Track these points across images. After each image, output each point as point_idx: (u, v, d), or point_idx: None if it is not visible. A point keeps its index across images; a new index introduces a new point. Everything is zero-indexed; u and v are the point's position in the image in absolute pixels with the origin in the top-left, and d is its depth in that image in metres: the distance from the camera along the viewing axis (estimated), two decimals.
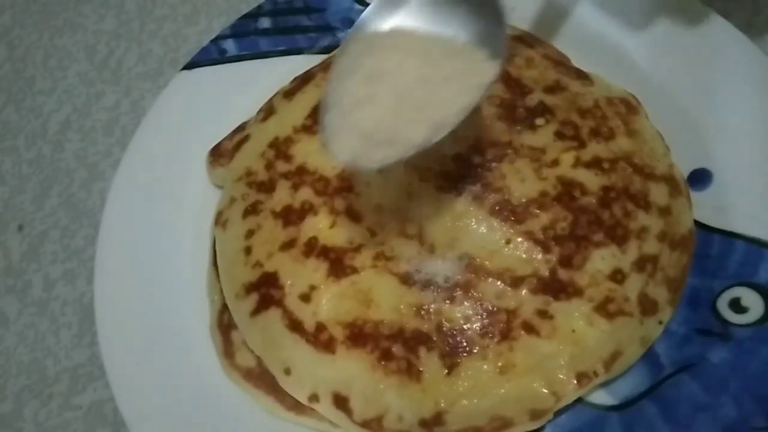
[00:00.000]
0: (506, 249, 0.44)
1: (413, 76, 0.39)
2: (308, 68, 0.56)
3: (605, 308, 0.42)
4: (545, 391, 0.41)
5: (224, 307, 0.48)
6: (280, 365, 0.44)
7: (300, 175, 0.49)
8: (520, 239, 0.44)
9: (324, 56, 0.58)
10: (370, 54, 0.41)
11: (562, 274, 0.43)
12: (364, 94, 0.39)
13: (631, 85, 0.51)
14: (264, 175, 0.51)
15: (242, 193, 0.51)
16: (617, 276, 0.43)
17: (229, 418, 0.44)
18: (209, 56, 0.58)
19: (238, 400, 0.45)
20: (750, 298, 0.42)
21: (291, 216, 0.48)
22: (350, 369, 0.43)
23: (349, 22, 0.59)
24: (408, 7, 0.42)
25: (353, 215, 0.47)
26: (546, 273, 0.43)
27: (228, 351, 0.46)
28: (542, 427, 0.41)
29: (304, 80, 0.55)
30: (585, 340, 0.42)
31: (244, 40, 0.59)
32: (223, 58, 0.58)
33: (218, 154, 0.54)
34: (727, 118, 0.47)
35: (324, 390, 0.43)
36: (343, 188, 0.48)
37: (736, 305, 0.42)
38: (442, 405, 0.41)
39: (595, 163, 0.47)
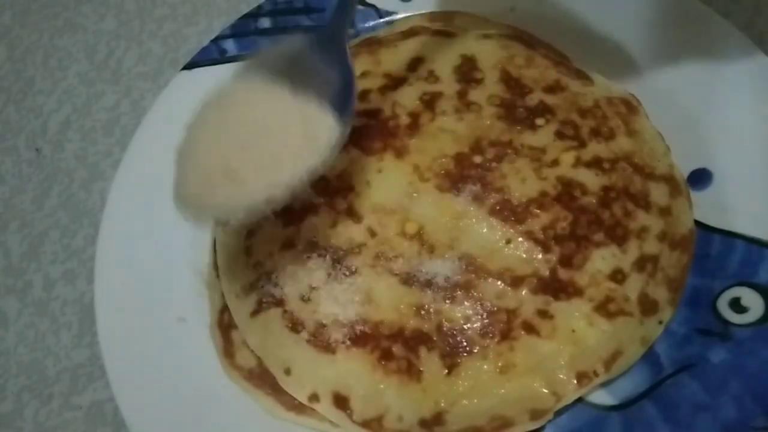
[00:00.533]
0: (506, 249, 0.44)
1: (258, 128, 0.40)
2: None
3: (605, 308, 0.42)
4: (545, 391, 0.41)
5: (224, 307, 0.48)
6: (280, 365, 0.44)
7: None
8: (520, 239, 0.44)
9: None
10: (217, 107, 0.42)
11: (562, 274, 0.43)
12: (210, 142, 0.41)
13: (631, 85, 0.51)
14: None
15: None
16: (617, 276, 0.43)
17: (229, 418, 0.44)
18: (209, 56, 0.58)
19: (238, 400, 0.45)
20: (750, 298, 0.42)
21: (291, 216, 0.48)
22: (350, 369, 0.43)
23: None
24: (261, 71, 0.42)
25: (353, 215, 0.47)
26: (546, 273, 0.44)
27: (228, 351, 0.46)
28: (542, 427, 0.41)
29: None
30: (585, 340, 0.42)
31: (244, 40, 0.59)
32: (223, 58, 0.58)
33: None
34: (727, 118, 0.47)
35: (324, 390, 0.43)
36: (343, 188, 0.48)
37: (736, 305, 0.42)
38: (443, 405, 0.41)
39: (595, 163, 0.47)
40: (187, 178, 0.41)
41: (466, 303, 0.43)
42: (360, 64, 0.54)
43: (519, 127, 0.48)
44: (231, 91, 0.42)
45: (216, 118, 0.42)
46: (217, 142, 0.41)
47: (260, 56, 0.43)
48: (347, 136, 0.42)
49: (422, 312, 0.43)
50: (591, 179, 0.46)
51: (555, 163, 0.47)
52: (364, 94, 0.52)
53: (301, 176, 0.39)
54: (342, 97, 0.42)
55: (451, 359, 0.42)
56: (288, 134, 0.40)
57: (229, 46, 0.58)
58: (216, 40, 0.58)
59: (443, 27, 0.56)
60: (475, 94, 0.51)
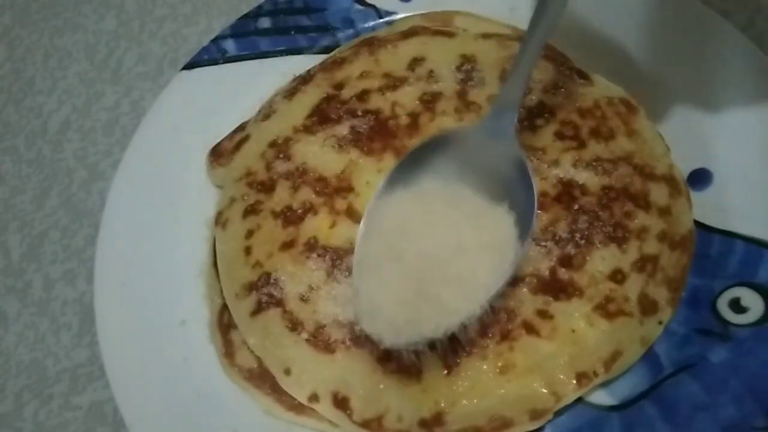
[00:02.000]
0: None
1: (445, 244, 0.39)
2: (308, 68, 0.57)
3: (605, 308, 0.42)
4: (545, 391, 0.41)
5: (224, 307, 0.48)
6: (280, 365, 0.44)
7: (300, 175, 0.49)
8: None
9: (324, 56, 0.58)
10: (395, 214, 0.41)
11: (562, 274, 0.43)
12: (388, 253, 0.39)
13: (631, 85, 0.51)
14: (264, 175, 0.51)
15: (242, 193, 0.51)
16: (617, 276, 0.43)
17: (229, 418, 0.44)
18: (209, 56, 0.58)
19: (238, 401, 0.45)
20: (750, 298, 0.42)
21: (291, 216, 0.48)
22: (350, 369, 0.43)
23: (349, 22, 0.59)
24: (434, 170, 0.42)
25: (353, 215, 0.47)
26: (546, 273, 0.44)
27: (228, 351, 0.46)
28: (542, 427, 0.41)
29: (304, 80, 0.55)
30: (585, 340, 0.42)
31: (244, 40, 0.59)
32: (223, 58, 0.58)
33: (218, 154, 0.54)
34: (727, 118, 0.47)
35: (324, 390, 0.43)
36: (343, 188, 0.48)
37: (736, 305, 0.42)
38: (442, 405, 0.41)
39: (595, 164, 0.47)
40: (372, 295, 0.39)
41: None
42: (360, 64, 0.54)
43: (519, 127, 0.48)
44: (407, 199, 0.41)
45: (395, 231, 0.40)
46: (404, 257, 0.39)
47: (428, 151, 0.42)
48: (527, 254, 0.42)
49: None
50: (591, 179, 0.46)
51: (555, 163, 0.47)
52: (364, 94, 0.52)
53: (493, 295, 0.39)
54: (523, 211, 0.40)
55: (451, 359, 0.42)
56: (475, 253, 0.39)
57: (229, 46, 0.58)
58: (216, 40, 0.58)
59: (443, 27, 0.56)
60: (475, 94, 0.51)
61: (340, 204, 0.47)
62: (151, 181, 0.53)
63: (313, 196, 0.48)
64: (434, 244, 0.39)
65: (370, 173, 0.48)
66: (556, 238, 0.44)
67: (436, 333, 0.38)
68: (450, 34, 0.55)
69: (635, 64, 0.52)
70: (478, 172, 0.41)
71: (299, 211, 0.48)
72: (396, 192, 0.42)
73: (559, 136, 0.48)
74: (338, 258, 0.45)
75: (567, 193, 0.46)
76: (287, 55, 0.59)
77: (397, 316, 0.38)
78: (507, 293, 0.43)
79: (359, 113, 0.51)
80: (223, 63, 0.58)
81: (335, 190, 0.48)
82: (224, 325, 0.47)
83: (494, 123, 0.43)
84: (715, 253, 0.44)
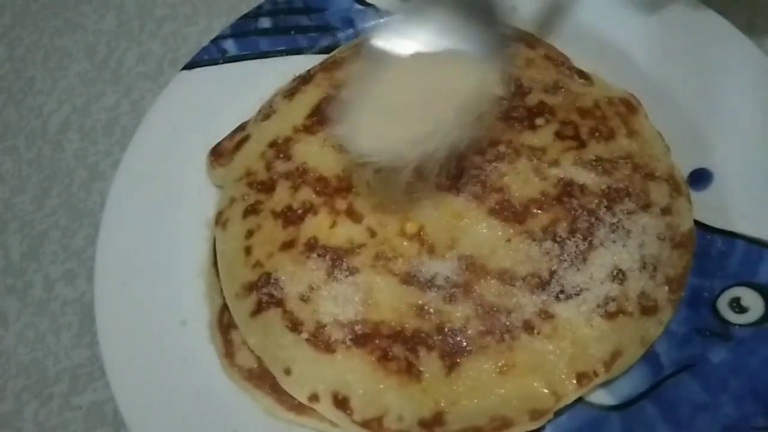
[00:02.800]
0: (506, 249, 0.44)
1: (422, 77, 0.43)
2: (308, 68, 0.57)
3: (605, 308, 0.42)
4: (545, 391, 0.41)
5: (224, 307, 0.48)
6: (280, 365, 0.44)
7: (300, 175, 0.49)
8: (520, 239, 0.44)
9: (324, 56, 0.58)
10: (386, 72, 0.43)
11: (562, 273, 0.43)
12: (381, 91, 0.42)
13: (631, 85, 0.51)
14: (264, 175, 0.51)
15: (242, 193, 0.51)
16: (617, 276, 0.43)
17: (229, 418, 0.44)
18: (209, 56, 0.58)
19: (238, 401, 0.45)
20: (750, 298, 0.42)
21: (291, 216, 0.48)
22: (350, 369, 0.43)
23: (349, 22, 0.59)
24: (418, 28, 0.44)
25: (353, 215, 0.47)
26: (546, 273, 0.43)
27: (228, 351, 0.46)
28: (542, 427, 0.41)
29: (304, 80, 0.55)
30: (585, 340, 0.42)
31: (244, 40, 0.59)
32: (223, 58, 0.58)
33: (218, 154, 0.54)
34: (727, 118, 0.47)
35: (324, 390, 0.43)
36: (343, 188, 0.48)
37: (737, 305, 0.42)
38: (442, 405, 0.41)
39: (595, 163, 0.47)
40: (358, 118, 0.43)
41: (465, 303, 0.43)
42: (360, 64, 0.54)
43: (519, 127, 0.48)
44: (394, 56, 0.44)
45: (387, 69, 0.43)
46: (386, 90, 0.43)
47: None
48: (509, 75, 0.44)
49: (422, 312, 0.43)
50: (591, 179, 0.46)
51: (555, 163, 0.47)
52: None
53: (465, 124, 0.41)
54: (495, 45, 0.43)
55: (451, 359, 0.42)
56: (448, 83, 0.42)
57: (229, 46, 0.58)
58: (216, 40, 0.58)
59: None
60: None
61: (340, 204, 0.47)
62: (151, 181, 0.53)
63: (314, 196, 0.48)
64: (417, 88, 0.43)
65: (371, 173, 0.48)
66: (556, 238, 0.44)
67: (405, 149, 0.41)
68: None
69: (635, 64, 0.52)
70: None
71: (299, 211, 0.48)
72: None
73: (559, 136, 0.48)
74: (338, 258, 0.45)
75: (567, 193, 0.46)
76: (287, 55, 0.59)
77: (380, 132, 0.42)
78: (507, 293, 0.43)
79: None
80: (223, 63, 0.58)
81: (335, 190, 0.48)
82: (224, 325, 0.47)
83: None
84: (715, 253, 0.44)
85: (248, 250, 0.48)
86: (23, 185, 0.64)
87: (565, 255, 0.44)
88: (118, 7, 0.74)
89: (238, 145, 0.53)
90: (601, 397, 0.42)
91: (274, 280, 0.46)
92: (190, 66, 0.57)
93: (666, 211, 0.46)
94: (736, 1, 0.56)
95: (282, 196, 0.49)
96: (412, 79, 0.43)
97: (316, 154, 0.50)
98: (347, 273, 0.45)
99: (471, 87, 0.42)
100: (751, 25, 0.56)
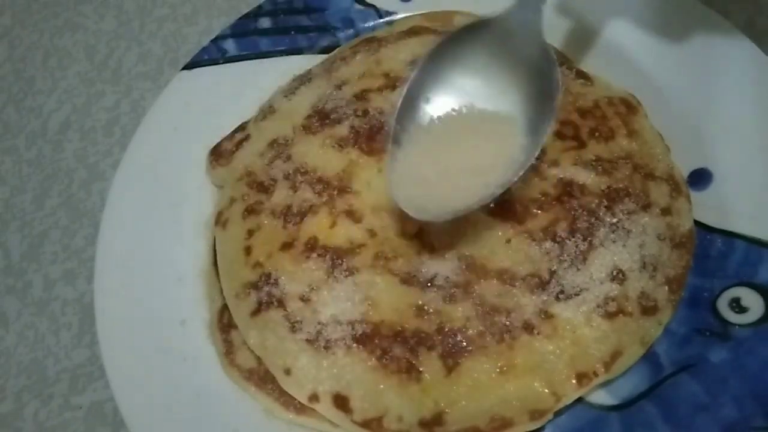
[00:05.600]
0: (506, 249, 0.44)
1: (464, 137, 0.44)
2: (308, 68, 0.57)
3: (605, 308, 0.42)
4: (545, 391, 0.41)
5: (224, 307, 0.48)
6: (280, 365, 0.44)
7: (300, 175, 0.49)
8: (520, 239, 0.44)
9: (324, 56, 0.58)
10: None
11: (562, 273, 0.43)
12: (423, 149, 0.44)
13: (631, 85, 0.51)
14: (264, 175, 0.51)
15: (242, 193, 0.51)
16: (617, 276, 0.43)
17: (229, 418, 0.44)
18: (209, 56, 0.58)
19: (238, 400, 0.45)
20: (750, 298, 0.42)
21: (291, 216, 0.48)
22: (350, 369, 0.43)
23: (349, 22, 0.59)
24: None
25: (353, 215, 0.47)
26: (546, 273, 0.43)
27: (228, 351, 0.46)
28: (542, 427, 0.41)
29: (304, 80, 0.55)
30: (585, 340, 0.42)
31: (244, 40, 0.59)
32: (223, 58, 0.58)
33: (218, 154, 0.54)
34: (727, 118, 0.47)
35: (324, 390, 0.43)
36: (343, 188, 0.48)
37: (736, 305, 0.42)
38: (442, 405, 0.41)
39: (595, 163, 0.47)
40: (403, 177, 0.43)
41: (466, 303, 0.43)
42: (360, 64, 0.54)
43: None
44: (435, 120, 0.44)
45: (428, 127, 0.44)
46: (430, 149, 0.44)
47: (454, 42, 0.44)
48: (540, 155, 0.44)
49: (422, 312, 0.43)
50: (591, 179, 0.46)
51: (555, 163, 0.47)
52: (364, 94, 0.52)
53: (499, 188, 0.41)
54: (539, 107, 0.43)
55: (451, 359, 0.42)
56: (485, 149, 0.43)
57: (229, 46, 0.58)
58: (216, 40, 0.59)
59: (443, 27, 0.56)
60: None
61: (340, 204, 0.47)
62: (151, 180, 0.53)
63: (313, 196, 0.48)
64: (456, 142, 0.44)
65: (370, 173, 0.48)
66: (556, 239, 0.44)
67: (450, 211, 0.41)
68: None
69: (635, 64, 0.52)
70: (504, 63, 0.44)
71: (299, 211, 0.48)
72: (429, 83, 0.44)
73: (559, 136, 0.48)
74: (338, 258, 0.45)
75: (567, 193, 0.46)
76: (287, 55, 0.59)
77: (423, 191, 0.42)
78: (507, 293, 0.43)
79: (359, 113, 0.51)
80: (223, 63, 0.58)
81: (335, 190, 0.48)
82: (224, 325, 0.47)
83: (521, 12, 0.44)
84: (715, 253, 0.44)
85: (248, 250, 0.48)
86: (23, 185, 0.64)
87: (565, 255, 0.44)
88: (118, 7, 0.74)
89: (238, 145, 0.53)
90: (601, 397, 0.42)
91: (274, 280, 0.46)
92: (190, 66, 0.57)
93: (666, 211, 0.46)
94: (736, 1, 0.56)
95: (282, 196, 0.49)
96: (458, 139, 0.44)
97: (316, 154, 0.50)
98: (347, 273, 0.45)
99: (511, 158, 0.42)
100: (751, 25, 0.56)
